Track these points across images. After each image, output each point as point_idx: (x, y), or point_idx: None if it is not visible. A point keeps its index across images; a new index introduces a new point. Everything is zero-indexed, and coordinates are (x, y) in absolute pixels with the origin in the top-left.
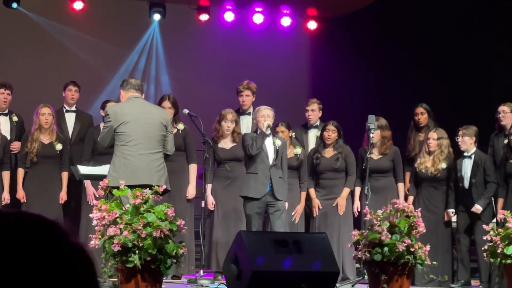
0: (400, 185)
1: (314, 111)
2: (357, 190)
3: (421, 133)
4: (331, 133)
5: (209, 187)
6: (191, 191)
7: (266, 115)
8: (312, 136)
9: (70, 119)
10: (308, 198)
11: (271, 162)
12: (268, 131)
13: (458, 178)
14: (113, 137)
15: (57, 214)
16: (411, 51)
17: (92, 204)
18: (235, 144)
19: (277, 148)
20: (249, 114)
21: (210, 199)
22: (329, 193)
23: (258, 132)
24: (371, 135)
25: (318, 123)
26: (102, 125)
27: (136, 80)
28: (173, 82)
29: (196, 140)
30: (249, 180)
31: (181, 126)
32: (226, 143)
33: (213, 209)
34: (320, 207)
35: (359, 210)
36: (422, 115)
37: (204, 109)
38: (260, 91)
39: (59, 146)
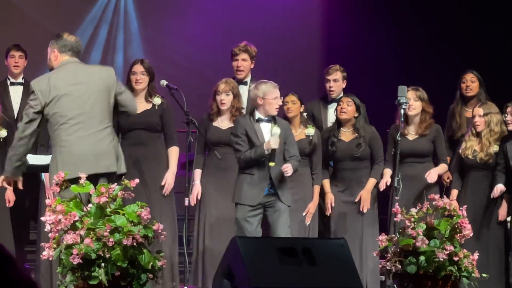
0: (442, 165)
1: (337, 81)
2: (387, 171)
3: (469, 108)
4: (346, 105)
5: (198, 173)
6: (168, 179)
7: (280, 102)
8: (333, 112)
9: (15, 93)
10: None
11: (271, 158)
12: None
13: (508, 166)
14: (37, 126)
15: (3, 222)
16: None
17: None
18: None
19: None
20: (245, 84)
21: (197, 189)
22: (349, 188)
23: (257, 145)
24: (402, 111)
25: (341, 96)
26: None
27: (76, 40)
28: (147, 46)
29: (177, 120)
30: (242, 183)
31: (157, 101)
32: (222, 122)
33: (194, 202)
34: (333, 204)
35: (388, 184)
36: (472, 82)
37: (188, 81)
38: (259, 56)
39: (3, 133)
